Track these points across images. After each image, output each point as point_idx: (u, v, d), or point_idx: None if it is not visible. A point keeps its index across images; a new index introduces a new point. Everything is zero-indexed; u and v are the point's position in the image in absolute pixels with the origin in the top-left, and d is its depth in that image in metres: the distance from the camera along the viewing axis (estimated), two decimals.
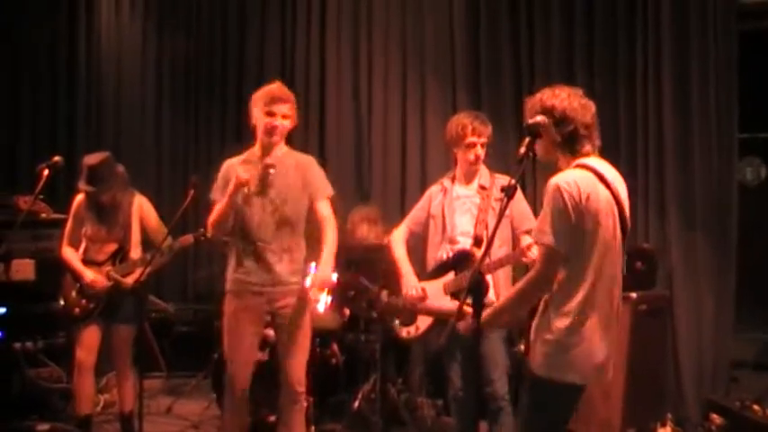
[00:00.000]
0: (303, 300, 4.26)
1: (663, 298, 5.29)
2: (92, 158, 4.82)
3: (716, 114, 5.50)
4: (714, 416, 5.06)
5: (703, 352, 5.46)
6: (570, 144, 3.01)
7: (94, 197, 4.84)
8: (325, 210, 4.27)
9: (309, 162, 4.39)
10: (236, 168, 4.17)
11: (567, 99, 3.01)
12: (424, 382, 5.72)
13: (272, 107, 4.18)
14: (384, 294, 4.97)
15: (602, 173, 2.97)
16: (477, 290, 2.85)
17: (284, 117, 4.21)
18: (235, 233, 4.26)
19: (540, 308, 2.99)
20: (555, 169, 3.05)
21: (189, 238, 4.79)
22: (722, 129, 5.52)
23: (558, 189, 2.88)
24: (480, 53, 6.31)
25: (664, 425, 5.10)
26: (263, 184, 4.19)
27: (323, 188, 4.33)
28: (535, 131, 3.00)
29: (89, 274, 4.80)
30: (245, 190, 4.13)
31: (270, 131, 4.21)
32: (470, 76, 6.35)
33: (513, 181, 2.93)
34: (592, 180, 2.93)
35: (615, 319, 3.01)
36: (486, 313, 3.10)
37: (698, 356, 5.45)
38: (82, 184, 4.83)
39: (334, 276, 5.47)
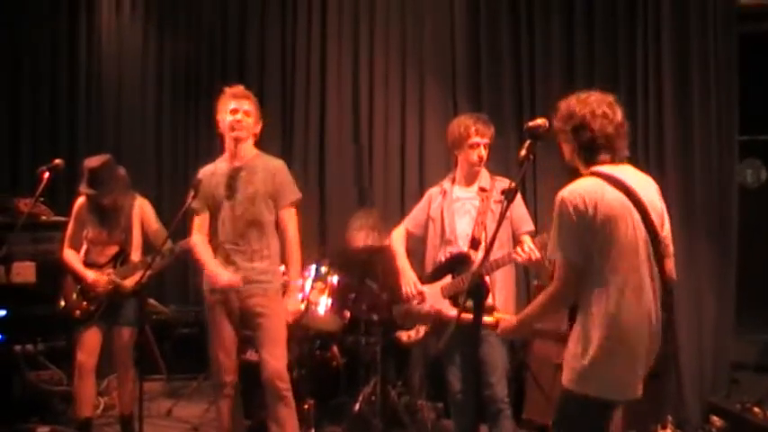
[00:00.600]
0: (275, 297, 4.34)
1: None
2: (93, 161, 4.82)
3: (716, 116, 5.51)
4: (714, 418, 5.05)
5: (704, 354, 5.46)
6: (586, 152, 2.98)
7: (96, 200, 4.84)
8: (287, 218, 4.40)
9: (278, 166, 4.46)
10: (216, 276, 4.30)
11: (590, 106, 2.98)
12: (424, 385, 5.71)
13: (234, 104, 4.33)
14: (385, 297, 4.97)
15: (615, 176, 2.92)
16: (478, 293, 2.86)
17: (246, 114, 4.33)
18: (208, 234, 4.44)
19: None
20: (576, 174, 3.02)
21: (190, 241, 4.78)
22: (722, 131, 5.52)
23: (563, 202, 2.86)
24: (480, 55, 6.30)
25: (664, 427, 5.09)
26: (233, 187, 4.31)
27: (288, 193, 4.42)
28: (536, 134, 3.00)
29: (91, 275, 4.81)
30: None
31: (233, 126, 4.32)
32: (470, 78, 6.34)
33: (514, 184, 2.94)
34: (599, 186, 2.87)
35: (649, 328, 2.89)
36: (507, 325, 3.12)
37: (698, 358, 5.45)
38: (83, 187, 4.83)
39: (335, 279, 5.49)
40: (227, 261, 4.30)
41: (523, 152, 2.97)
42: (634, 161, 5.58)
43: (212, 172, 4.44)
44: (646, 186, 3.02)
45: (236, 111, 4.31)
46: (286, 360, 4.36)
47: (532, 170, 5.87)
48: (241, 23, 7.28)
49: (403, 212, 5.34)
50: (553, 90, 5.86)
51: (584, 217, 2.81)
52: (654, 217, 2.93)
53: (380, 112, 6.66)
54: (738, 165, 5.78)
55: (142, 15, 7.54)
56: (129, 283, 4.74)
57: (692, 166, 5.52)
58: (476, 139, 4.26)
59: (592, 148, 2.96)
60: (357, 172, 6.75)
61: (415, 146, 6.51)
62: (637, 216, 2.88)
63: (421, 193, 4.71)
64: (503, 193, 3.02)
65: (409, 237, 4.57)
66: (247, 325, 4.39)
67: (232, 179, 4.31)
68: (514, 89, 6.16)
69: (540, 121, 3.02)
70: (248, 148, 4.40)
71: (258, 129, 4.44)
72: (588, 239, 2.82)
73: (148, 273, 4.46)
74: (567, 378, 2.89)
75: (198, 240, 4.42)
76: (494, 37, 6.26)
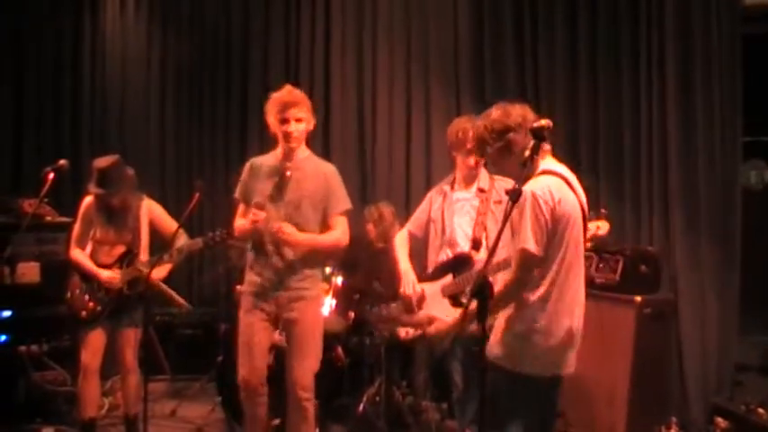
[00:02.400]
0: (315, 306, 4.28)
1: (667, 301, 5.28)
2: (102, 161, 4.82)
3: (720, 118, 5.50)
4: (719, 419, 5.04)
5: (708, 355, 5.46)
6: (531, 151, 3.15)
7: (105, 200, 4.84)
8: (339, 226, 4.26)
9: (330, 172, 4.33)
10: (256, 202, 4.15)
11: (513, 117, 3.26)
12: (428, 386, 5.71)
13: (284, 114, 4.16)
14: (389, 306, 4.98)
15: (567, 178, 3.17)
16: (482, 293, 2.86)
17: (298, 121, 4.18)
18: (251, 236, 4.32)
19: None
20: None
21: (198, 242, 4.76)
22: (726, 132, 5.51)
23: (534, 197, 3.04)
24: (484, 57, 6.32)
25: (668, 428, 5.08)
26: (280, 189, 4.19)
27: (340, 202, 4.29)
28: (539, 135, 3.02)
29: (105, 273, 4.80)
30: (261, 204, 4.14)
31: (286, 138, 4.18)
32: (474, 80, 6.36)
33: (518, 185, 2.95)
34: (561, 186, 3.12)
35: (580, 315, 3.24)
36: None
37: (702, 360, 5.45)
38: (92, 187, 4.82)
39: (339, 280, 5.50)
40: (270, 263, 4.18)
41: (527, 152, 3.00)
42: (637, 162, 5.66)
43: (261, 163, 4.30)
44: (579, 185, 3.27)
45: (287, 121, 4.15)
46: (313, 371, 4.24)
47: None
48: (245, 26, 7.30)
49: (408, 214, 5.33)
50: (557, 93, 5.86)
51: (552, 213, 3.05)
52: (586, 215, 3.27)
53: (384, 114, 6.67)
54: (742, 166, 5.77)
55: (146, 17, 7.57)
56: (153, 273, 4.66)
57: (695, 167, 5.52)
58: (472, 145, 4.28)
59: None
60: (362, 175, 6.75)
61: (419, 147, 6.52)
62: (580, 217, 3.18)
63: (426, 195, 4.72)
64: (507, 193, 3.02)
65: (412, 238, 4.61)
66: (281, 330, 4.34)
67: (281, 179, 4.18)
68: (518, 91, 6.16)
69: (543, 122, 3.04)
70: (300, 149, 4.28)
71: (312, 126, 4.29)
72: (550, 235, 3.06)
73: (169, 266, 4.62)
74: (499, 355, 3.16)
75: (240, 224, 4.31)
76: (497, 39, 6.27)
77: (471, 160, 4.33)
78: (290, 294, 4.20)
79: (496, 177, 4.38)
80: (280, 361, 4.64)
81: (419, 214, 4.62)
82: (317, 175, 4.26)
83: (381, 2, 6.73)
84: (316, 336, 4.29)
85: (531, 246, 3.03)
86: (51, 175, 4.55)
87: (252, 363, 4.22)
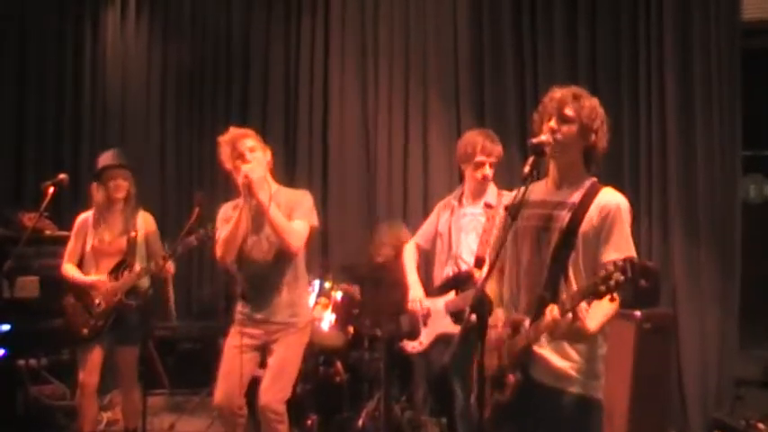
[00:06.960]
0: (300, 337, 4.29)
1: (667, 316, 5.27)
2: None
3: (719, 131, 5.52)
4: None
5: (708, 370, 5.45)
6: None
7: (117, 172, 4.89)
8: (297, 224, 4.17)
9: (301, 195, 4.34)
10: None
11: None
12: (427, 401, 5.71)
13: (237, 149, 4.17)
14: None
15: None
16: (481, 308, 2.85)
17: (252, 150, 4.17)
18: (236, 269, 4.33)
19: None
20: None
21: (192, 241, 4.71)
22: (726, 146, 5.54)
23: (627, 208, 2.99)
24: (484, 71, 6.33)
25: None
26: (257, 222, 4.19)
27: (304, 213, 4.22)
28: (539, 150, 3.00)
29: (92, 277, 4.80)
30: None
31: (248, 172, 4.07)
32: (474, 94, 6.37)
33: (518, 201, 2.93)
34: None
35: None
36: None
37: (702, 374, 5.44)
38: (110, 159, 4.94)
39: (339, 295, 5.49)
40: (258, 294, 4.21)
41: (527, 168, 2.96)
42: (636, 176, 5.66)
43: (235, 205, 4.28)
44: None
45: (242, 154, 4.14)
46: (285, 398, 4.21)
47: None
48: (245, 37, 7.30)
49: (407, 228, 5.34)
50: None
51: None
52: None
53: (384, 128, 6.67)
54: (741, 180, 5.78)
55: (147, 27, 7.56)
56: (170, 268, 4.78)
57: (695, 181, 5.53)
58: (481, 158, 4.28)
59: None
60: (361, 192, 6.75)
61: (418, 162, 6.51)
62: None
63: (424, 209, 4.74)
64: (506, 209, 3.00)
65: (420, 251, 4.62)
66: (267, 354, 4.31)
67: (257, 213, 4.16)
68: (517, 105, 6.19)
69: (543, 137, 3.02)
70: (270, 185, 4.23)
71: (269, 157, 4.28)
72: None
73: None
74: (587, 386, 2.89)
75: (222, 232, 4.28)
76: (497, 53, 6.29)
77: (479, 174, 4.32)
78: (281, 321, 4.21)
79: (504, 192, 4.35)
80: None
81: (427, 227, 4.62)
82: (288, 202, 4.22)
83: (381, 16, 6.74)
84: (295, 365, 4.29)
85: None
86: (51, 189, 4.56)
87: (227, 388, 4.21)
